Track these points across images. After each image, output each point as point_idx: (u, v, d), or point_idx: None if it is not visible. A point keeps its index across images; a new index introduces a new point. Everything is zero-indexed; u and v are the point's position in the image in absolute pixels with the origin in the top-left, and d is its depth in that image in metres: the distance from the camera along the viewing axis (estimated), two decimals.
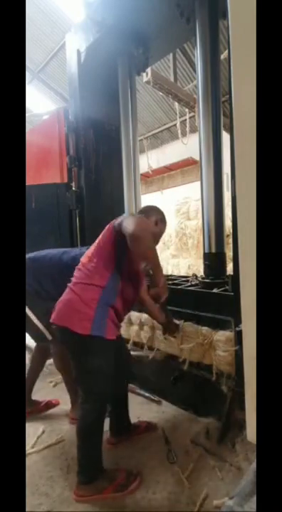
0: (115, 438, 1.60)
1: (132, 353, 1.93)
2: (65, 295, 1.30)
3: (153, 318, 1.70)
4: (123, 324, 1.98)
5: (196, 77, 1.99)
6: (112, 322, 1.29)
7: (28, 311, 1.74)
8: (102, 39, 2.33)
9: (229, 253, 1.89)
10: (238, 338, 1.42)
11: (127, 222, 1.20)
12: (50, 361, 2.02)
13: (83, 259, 1.37)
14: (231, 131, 1.27)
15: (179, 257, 5.16)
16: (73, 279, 1.33)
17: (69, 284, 1.33)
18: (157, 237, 1.48)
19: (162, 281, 1.31)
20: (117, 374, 1.37)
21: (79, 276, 1.31)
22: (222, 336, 1.56)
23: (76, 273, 1.35)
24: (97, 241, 1.37)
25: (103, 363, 1.26)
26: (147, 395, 2.03)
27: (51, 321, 1.28)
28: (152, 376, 2.08)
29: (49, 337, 1.77)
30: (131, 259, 1.32)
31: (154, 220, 1.46)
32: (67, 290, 1.32)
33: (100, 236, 1.37)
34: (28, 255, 1.83)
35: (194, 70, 3.46)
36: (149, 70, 3.22)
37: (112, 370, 1.31)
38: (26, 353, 2.21)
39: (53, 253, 1.85)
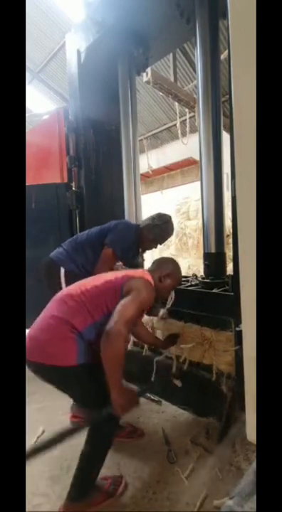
0: None
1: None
2: (41, 330, 1.21)
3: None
4: None
5: (196, 77, 1.99)
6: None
7: None
8: (102, 39, 2.33)
9: (229, 253, 1.89)
10: (238, 338, 1.42)
11: (122, 308, 1.18)
12: None
13: (73, 290, 1.31)
14: (231, 131, 1.27)
15: (179, 257, 5.15)
16: (53, 312, 1.24)
17: (46, 314, 1.25)
18: (158, 293, 1.43)
19: (116, 397, 1.14)
20: None
21: (61, 310, 1.24)
22: (222, 335, 1.56)
23: (58, 305, 1.27)
24: (94, 282, 1.32)
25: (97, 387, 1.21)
26: (147, 395, 2.02)
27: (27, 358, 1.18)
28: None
29: None
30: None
31: (159, 276, 1.45)
32: (42, 323, 1.23)
33: (100, 281, 1.31)
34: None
35: (194, 70, 3.46)
36: (149, 70, 3.22)
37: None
38: None
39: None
